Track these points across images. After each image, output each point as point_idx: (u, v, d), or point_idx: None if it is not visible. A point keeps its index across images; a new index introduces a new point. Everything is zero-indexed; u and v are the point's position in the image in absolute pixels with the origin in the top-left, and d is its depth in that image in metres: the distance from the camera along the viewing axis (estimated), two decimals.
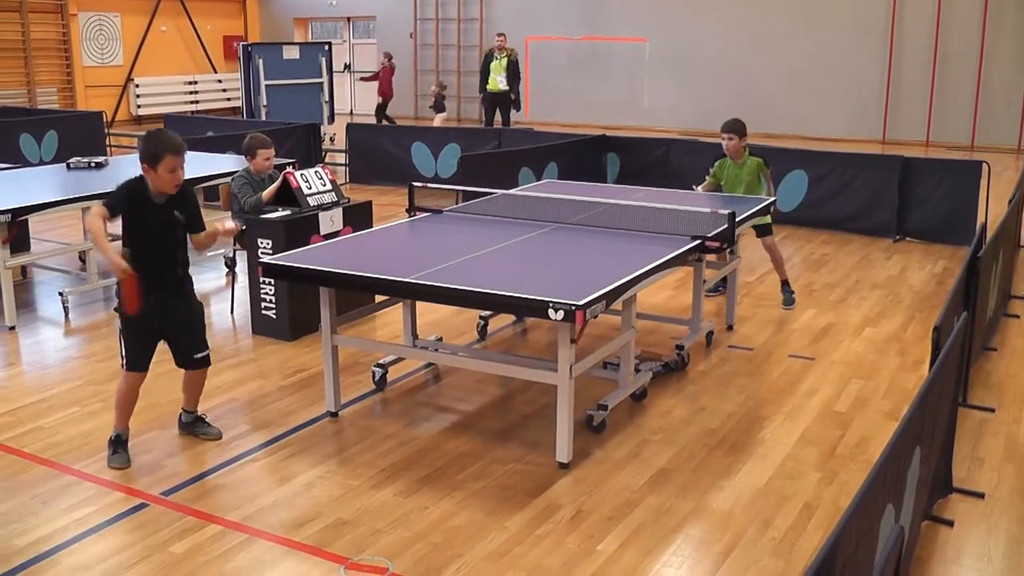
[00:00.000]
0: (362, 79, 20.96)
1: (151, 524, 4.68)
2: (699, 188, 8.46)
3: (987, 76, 19.35)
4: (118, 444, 5.37)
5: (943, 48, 19.68)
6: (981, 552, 4.51)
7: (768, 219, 8.32)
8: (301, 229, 7.36)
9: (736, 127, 8.26)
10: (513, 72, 18.21)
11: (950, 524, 4.71)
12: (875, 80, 20.36)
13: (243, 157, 8.17)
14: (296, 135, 14.83)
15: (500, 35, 18.82)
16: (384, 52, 21.55)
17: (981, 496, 5.00)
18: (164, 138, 5.22)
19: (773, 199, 7.94)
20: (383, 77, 20.73)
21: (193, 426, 5.72)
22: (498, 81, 18.22)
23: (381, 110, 20.42)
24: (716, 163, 8.43)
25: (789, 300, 8.42)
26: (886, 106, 20.30)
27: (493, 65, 18.27)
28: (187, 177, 9.12)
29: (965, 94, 19.56)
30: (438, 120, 19.95)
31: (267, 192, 7.68)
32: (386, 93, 20.62)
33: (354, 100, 27.73)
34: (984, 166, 10.79)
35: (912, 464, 3.66)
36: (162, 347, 5.42)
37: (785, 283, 8.51)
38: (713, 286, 8.31)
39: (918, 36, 19.89)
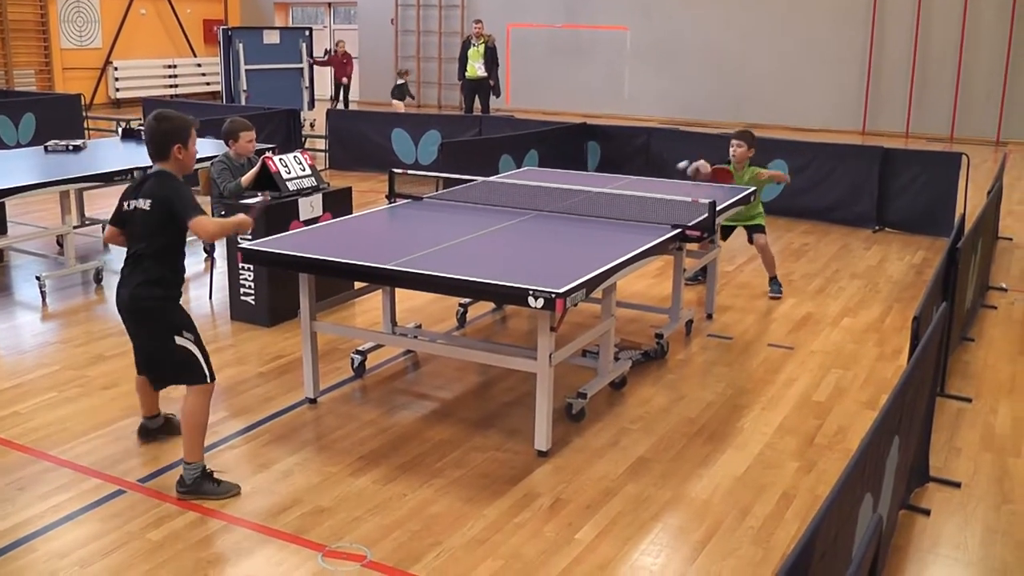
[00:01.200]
0: (314, 62, 20.84)
1: (128, 511, 4.65)
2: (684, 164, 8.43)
3: (967, 68, 19.42)
4: (209, 476, 4.82)
5: (923, 40, 19.74)
6: (957, 541, 4.54)
7: (761, 220, 8.40)
8: (281, 214, 7.32)
9: (746, 136, 8.38)
10: (491, 58, 18.20)
11: (927, 513, 4.74)
12: (856, 71, 20.41)
13: (222, 142, 8.11)
14: (276, 120, 14.75)
15: (477, 22, 18.80)
16: (339, 40, 22.11)
17: (958, 485, 5.02)
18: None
19: (752, 189, 7.91)
20: (335, 62, 21.12)
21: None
22: (476, 68, 18.22)
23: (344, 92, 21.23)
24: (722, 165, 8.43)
25: (776, 290, 8.44)
26: (866, 97, 20.35)
27: (471, 52, 18.26)
28: None
29: (945, 86, 19.63)
30: (398, 107, 19.88)
31: (246, 177, 7.63)
32: (340, 77, 21.23)
33: (334, 85, 27.61)
34: (963, 158, 10.83)
35: (890, 453, 3.68)
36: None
37: (773, 278, 8.50)
38: (693, 275, 8.33)
39: (899, 27, 19.94)
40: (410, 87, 20.91)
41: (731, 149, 8.36)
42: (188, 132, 4.88)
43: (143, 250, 4.74)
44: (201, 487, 4.76)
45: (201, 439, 4.81)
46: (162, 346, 4.76)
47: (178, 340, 4.74)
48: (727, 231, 8.45)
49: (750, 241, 8.47)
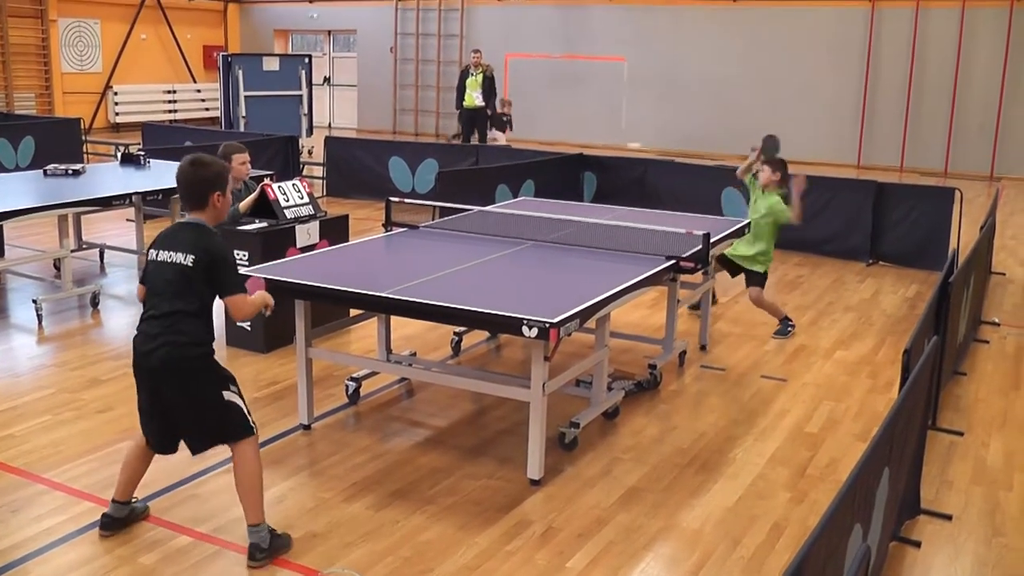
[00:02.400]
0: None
1: (121, 534, 4.66)
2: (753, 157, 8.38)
3: (961, 104, 19.57)
4: (274, 535, 4.57)
5: (918, 75, 19.89)
6: (948, 573, 4.56)
7: (760, 267, 8.19)
8: (278, 241, 7.36)
9: (777, 164, 8.20)
10: (489, 88, 18.31)
11: (917, 545, 4.76)
12: (851, 104, 20.56)
13: None
14: (274, 147, 14.82)
15: (476, 51, 18.92)
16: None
17: (949, 518, 5.05)
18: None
19: (747, 222, 7.93)
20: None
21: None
22: (474, 97, 18.33)
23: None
24: (750, 181, 8.33)
25: (784, 331, 8.26)
26: (861, 130, 20.49)
27: (469, 81, 18.38)
28: (164, 187, 9.16)
29: (939, 121, 19.77)
30: (501, 139, 18.75)
31: (244, 203, 7.67)
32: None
33: (333, 113, 27.77)
34: (957, 192, 10.90)
35: (880, 485, 3.71)
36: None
37: (784, 319, 8.34)
38: (695, 302, 8.33)
39: (894, 62, 20.11)
40: (508, 119, 19.23)
41: (761, 173, 8.18)
42: (227, 178, 4.59)
43: (181, 308, 4.38)
44: (276, 545, 4.51)
45: (262, 495, 4.55)
46: (211, 405, 4.44)
47: (226, 395, 4.46)
48: (735, 268, 8.30)
49: (748, 284, 8.31)
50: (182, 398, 4.44)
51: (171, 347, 4.35)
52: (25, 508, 4.91)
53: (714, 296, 8.85)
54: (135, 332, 4.50)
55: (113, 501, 4.71)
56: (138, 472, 4.72)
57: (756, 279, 8.24)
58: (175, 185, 4.63)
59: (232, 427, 4.50)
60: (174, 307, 4.38)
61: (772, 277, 9.50)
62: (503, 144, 17.60)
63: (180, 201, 4.62)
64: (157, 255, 4.45)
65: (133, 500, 4.78)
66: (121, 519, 4.71)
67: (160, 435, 4.59)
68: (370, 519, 4.87)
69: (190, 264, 4.36)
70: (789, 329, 8.32)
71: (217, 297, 4.46)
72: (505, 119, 19.00)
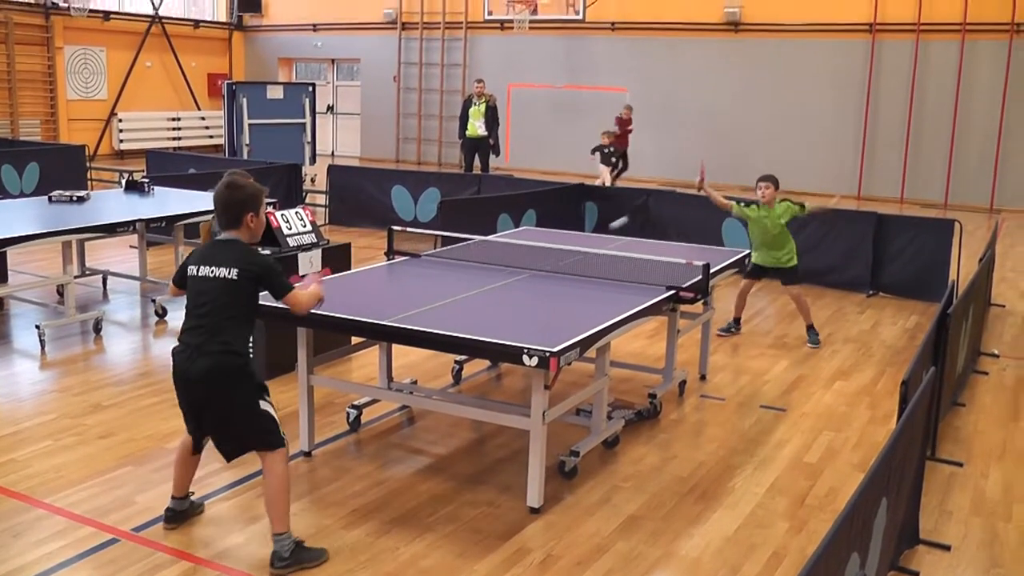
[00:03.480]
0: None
1: (122, 560, 4.67)
2: (707, 188, 9.12)
3: (960, 136, 19.66)
4: (301, 543, 4.73)
5: (918, 107, 20.00)
6: None
7: (794, 260, 8.88)
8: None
9: (772, 179, 8.95)
10: (491, 117, 18.39)
11: (916, 575, 4.77)
12: (851, 136, 20.65)
13: None
14: (278, 175, 14.88)
15: (479, 81, 19.01)
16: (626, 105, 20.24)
17: (947, 548, 5.06)
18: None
19: (747, 252, 8.08)
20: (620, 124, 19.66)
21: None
22: (477, 127, 18.41)
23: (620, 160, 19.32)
24: (744, 210, 9.00)
25: (814, 340, 8.85)
26: (862, 162, 20.58)
27: (472, 111, 18.46)
28: (168, 215, 9.22)
29: (939, 153, 19.86)
30: (604, 175, 18.13)
31: None
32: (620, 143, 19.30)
33: (336, 142, 27.88)
34: (956, 224, 10.94)
35: (878, 514, 3.72)
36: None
37: (810, 327, 8.94)
38: (726, 326, 9.02)
39: (894, 94, 20.22)
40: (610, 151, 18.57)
41: (759, 192, 8.85)
42: (261, 200, 4.82)
43: (223, 320, 4.58)
44: (300, 557, 4.62)
45: (288, 506, 4.71)
46: (248, 413, 4.62)
47: (262, 404, 4.64)
48: (759, 271, 8.92)
49: (784, 283, 9.00)
50: (221, 406, 4.64)
51: (213, 356, 4.54)
52: (27, 532, 4.92)
53: (738, 323, 9.29)
54: (176, 344, 4.68)
55: (172, 497, 5.05)
56: (189, 470, 5.04)
57: (792, 275, 8.92)
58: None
59: (266, 436, 4.68)
60: (216, 320, 4.59)
61: (774, 306, 9.56)
62: (603, 184, 16.58)
63: (216, 220, 4.83)
64: (198, 271, 4.66)
65: (191, 494, 5.13)
66: (182, 512, 5.05)
67: (197, 437, 4.92)
68: (370, 546, 4.89)
69: (235, 277, 4.59)
70: (818, 338, 8.89)
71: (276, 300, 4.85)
72: (607, 151, 18.45)
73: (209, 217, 8.14)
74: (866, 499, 3.34)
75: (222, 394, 4.60)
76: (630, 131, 19.70)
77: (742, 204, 9.02)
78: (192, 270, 4.68)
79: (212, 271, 4.62)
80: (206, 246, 4.78)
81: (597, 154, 18.58)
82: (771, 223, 8.75)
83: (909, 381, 4.51)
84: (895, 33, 20.14)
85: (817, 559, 2.74)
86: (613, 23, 23.01)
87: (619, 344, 7.83)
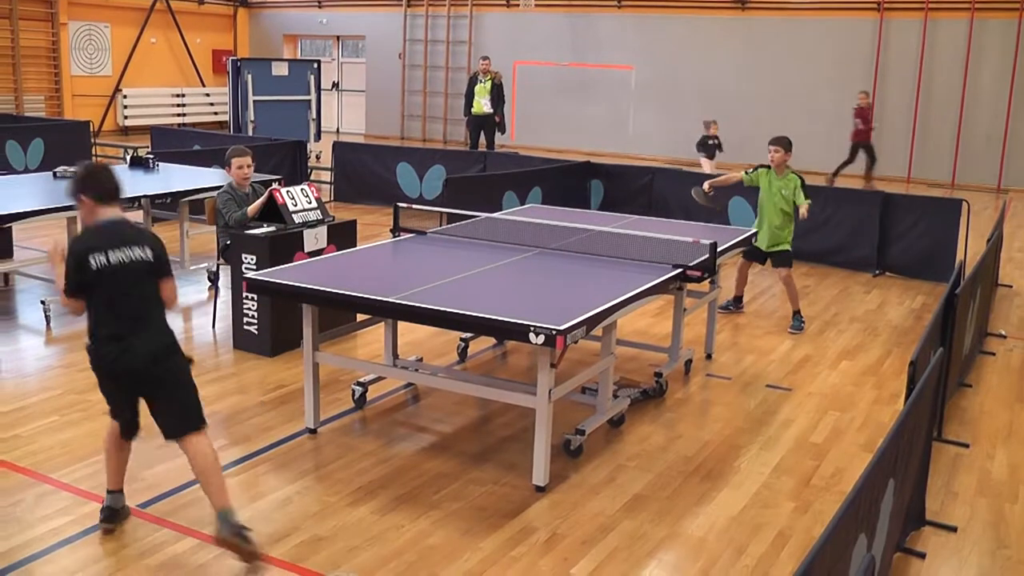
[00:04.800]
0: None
1: (127, 536, 4.68)
2: (706, 186, 8.89)
3: (968, 115, 19.57)
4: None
5: (925, 86, 19.90)
6: None
7: (787, 245, 8.70)
8: (285, 246, 7.38)
9: (783, 141, 8.74)
10: (497, 95, 18.33)
11: (922, 556, 4.76)
12: None
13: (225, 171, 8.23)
14: (282, 152, 14.85)
15: (484, 58, 18.92)
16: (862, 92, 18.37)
17: (954, 530, 5.05)
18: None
19: (755, 231, 8.05)
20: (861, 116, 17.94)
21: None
22: (482, 104, 18.33)
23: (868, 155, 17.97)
24: (757, 168, 8.86)
25: (798, 326, 8.71)
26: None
27: (477, 88, 18.39)
28: (174, 190, 9.21)
29: (947, 133, 19.77)
30: (707, 166, 16.79)
31: (252, 207, 7.71)
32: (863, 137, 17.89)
33: (341, 119, 27.82)
34: (964, 204, 10.90)
35: (885, 496, 3.71)
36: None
37: (797, 312, 8.81)
38: (725, 304, 8.95)
39: (901, 73, 20.11)
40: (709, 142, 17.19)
41: (769, 155, 8.74)
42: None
43: (155, 303, 4.56)
44: (242, 532, 4.40)
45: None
46: (189, 387, 4.61)
47: (192, 377, 4.67)
48: (759, 255, 8.76)
49: (774, 265, 8.82)
50: (166, 390, 4.56)
51: (154, 344, 4.51)
52: (32, 508, 4.92)
53: (739, 301, 9.27)
54: (96, 341, 4.54)
55: (108, 492, 4.79)
56: (123, 460, 4.82)
57: (784, 258, 8.74)
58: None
59: (199, 408, 4.64)
60: (148, 307, 4.54)
61: (778, 287, 9.52)
62: (709, 172, 14.56)
63: (106, 199, 4.59)
64: (108, 259, 4.43)
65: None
66: (119, 510, 4.78)
67: (129, 424, 4.71)
68: (375, 523, 4.89)
69: (151, 258, 4.52)
70: (802, 324, 8.71)
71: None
72: (712, 142, 17.09)
73: (214, 195, 8.12)
74: (873, 480, 3.33)
75: (170, 377, 4.55)
76: (871, 125, 17.96)
77: (749, 172, 8.89)
78: (99, 261, 4.41)
79: (127, 254, 4.45)
80: (95, 231, 4.51)
81: (704, 151, 17.10)
82: (776, 191, 8.62)
83: (917, 362, 4.49)
84: (903, 11, 20.02)
85: (825, 541, 2.73)
86: (619, 0, 22.89)
87: (625, 322, 7.82)
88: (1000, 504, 5.39)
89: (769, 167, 8.75)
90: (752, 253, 8.69)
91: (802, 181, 8.63)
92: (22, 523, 4.77)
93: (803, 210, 8.46)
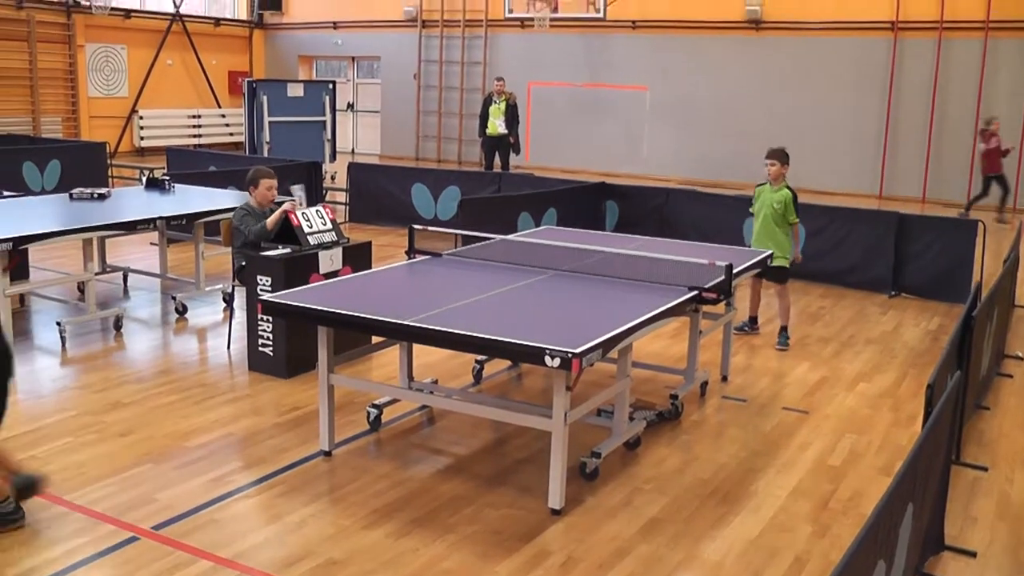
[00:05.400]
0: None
1: (141, 558, 4.67)
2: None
3: None
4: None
5: (940, 106, 19.86)
6: None
7: (786, 262, 8.73)
8: (301, 267, 7.39)
9: (779, 154, 8.87)
10: (512, 116, 18.34)
11: None
12: (873, 136, 20.52)
13: (245, 192, 8.24)
14: (298, 172, 14.89)
15: (499, 79, 18.95)
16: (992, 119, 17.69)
17: (973, 555, 5.00)
18: None
19: (769, 252, 8.03)
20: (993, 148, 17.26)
21: None
22: (497, 125, 18.36)
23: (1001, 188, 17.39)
24: (756, 190, 9.04)
25: (783, 343, 8.74)
26: (883, 161, 20.44)
27: (492, 109, 18.42)
28: (188, 212, 9.24)
29: (961, 152, 19.68)
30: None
31: (272, 219, 7.72)
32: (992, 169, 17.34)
33: (356, 139, 27.91)
34: (980, 224, 10.86)
35: (904, 521, 3.68)
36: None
37: (783, 328, 8.83)
38: (740, 325, 8.92)
39: (916, 93, 20.08)
40: None
41: (766, 168, 8.86)
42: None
43: None
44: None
45: None
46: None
47: None
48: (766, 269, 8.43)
49: (769, 279, 8.82)
50: None
51: None
52: (46, 530, 4.92)
53: (754, 322, 9.24)
54: None
55: None
56: None
57: (779, 274, 8.77)
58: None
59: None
60: None
61: (793, 309, 9.46)
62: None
63: None
64: None
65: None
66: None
67: None
68: (390, 547, 4.87)
69: None
70: (787, 342, 8.78)
71: None
72: None
73: (230, 215, 8.14)
74: (892, 505, 3.30)
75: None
76: (1004, 149, 17.23)
77: (754, 204, 9.01)
78: None
79: None
80: None
81: None
82: (769, 204, 8.71)
83: (934, 385, 4.46)
84: (917, 31, 20.00)
85: (844, 567, 2.70)
86: (634, 21, 22.93)
87: (640, 344, 7.80)
88: (1020, 528, 5.34)
89: (761, 184, 8.93)
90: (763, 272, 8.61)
91: (794, 196, 8.75)
92: (36, 545, 4.76)
93: (796, 253, 8.81)
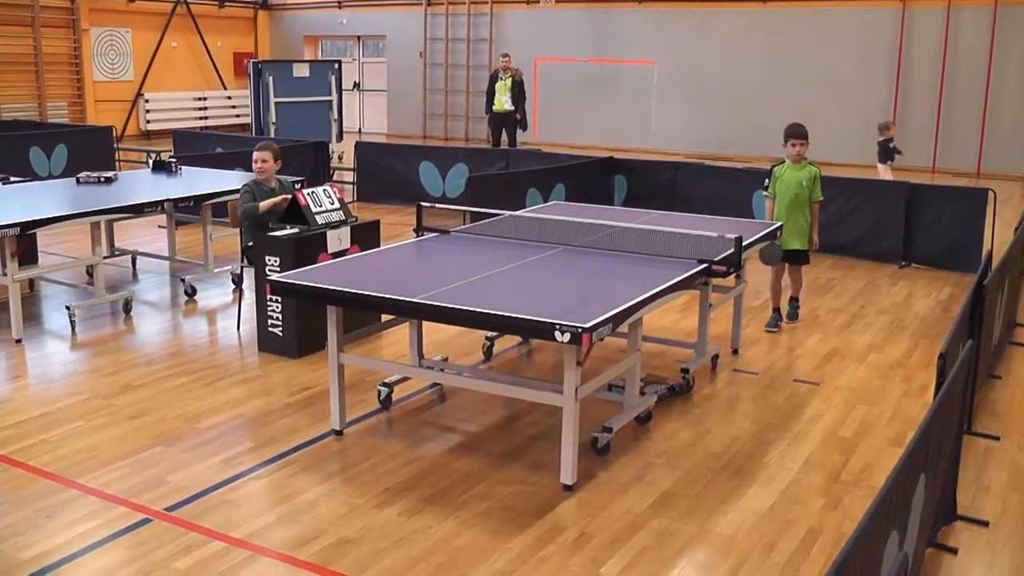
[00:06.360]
0: None
1: (154, 540, 4.68)
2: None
3: (993, 104, 19.38)
4: None
5: (950, 75, 19.72)
6: None
7: (800, 244, 8.36)
8: (309, 247, 7.38)
9: (804, 132, 8.40)
10: (518, 92, 18.28)
11: (954, 552, 4.71)
12: (882, 106, 20.38)
13: (252, 173, 8.26)
14: (305, 153, 14.88)
15: (504, 56, 18.87)
16: None
17: (986, 524, 4.99)
18: None
19: (780, 223, 7.96)
20: None
21: None
22: (503, 101, 18.31)
23: None
24: (773, 171, 8.47)
25: (794, 314, 8.60)
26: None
27: (498, 86, 18.37)
28: (196, 194, 9.23)
29: (971, 121, 19.58)
30: (885, 173, 15.25)
31: (264, 203, 7.73)
32: None
33: (363, 118, 27.85)
34: (990, 193, 10.80)
35: (917, 491, 3.67)
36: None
37: (794, 299, 8.70)
38: (771, 322, 8.48)
39: (925, 63, 19.95)
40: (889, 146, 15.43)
41: (794, 149, 8.34)
42: None
43: None
44: None
45: None
46: None
47: None
48: (785, 255, 8.14)
49: (790, 263, 8.49)
50: None
51: None
52: (59, 513, 4.93)
53: (779, 313, 8.63)
54: None
55: None
56: None
57: (803, 258, 8.51)
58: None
59: None
60: None
61: (804, 280, 9.38)
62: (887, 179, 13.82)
63: None
64: None
65: None
66: None
67: None
68: (403, 525, 4.87)
69: None
70: (798, 311, 8.68)
71: None
72: (890, 145, 15.33)
73: (236, 197, 8.13)
74: (905, 476, 3.29)
75: None
76: None
77: (767, 188, 8.46)
78: None
79: None
80: None
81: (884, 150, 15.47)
82: (798, 183, 8.22)
83: (947, 354, 4.43)
84: (926, 0, 19.86)
85: (857, 538, 2.69)
86: None
87: (650, 318, 7.78)
88: None
89: (777, 165, 8.45)
90: (780, 258, 8.13)
91: (819, 173, 8.40)
92: (50, 528, 4.78)
93: (815, 236, 8.41)
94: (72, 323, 8.13)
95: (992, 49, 19.23)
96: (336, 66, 20.05)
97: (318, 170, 14.88)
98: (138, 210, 8.64)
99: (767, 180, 8.49)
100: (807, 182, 8.27)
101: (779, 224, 7.94)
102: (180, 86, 26.00)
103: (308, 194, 7.61)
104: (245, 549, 4.60)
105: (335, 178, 16.08)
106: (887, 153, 15.38)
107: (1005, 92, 19.28)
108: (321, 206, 7.63)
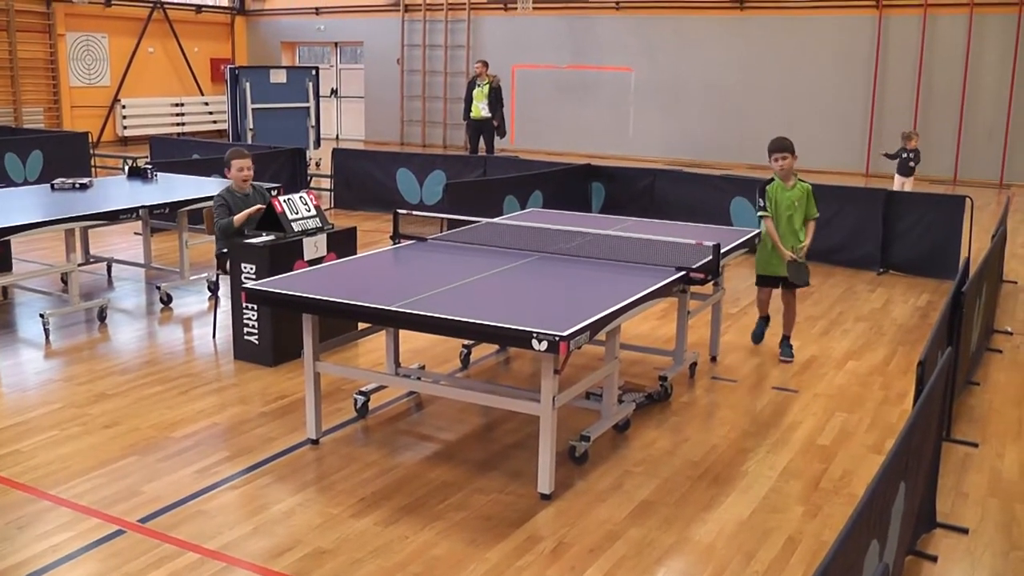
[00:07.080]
0: None
1: (128, 551, 4.62)
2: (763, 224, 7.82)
3: (969, 111, 19.51)
4: None
5: (926, 82, 19.84)
6: None
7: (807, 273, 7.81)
8: (285, 254, 7.33)
9: (789, 145, 7.71)
10: (495, 99, 18.27)
11: (934, 560, 4.70)
12: (859, 113, 20.50)
13: (229, 180, 8.19)
14: (282, 159, 14.81)
15: (480, 62, 18.84)
16: None
17: (965, 531, 4.98)
18: None
19: (758, 231, 7.84)
20: None
21: None
22: (480, 108, 18.30)
23: None
24: (766, 190, 7.76)
25: (787, 354, 7.89)
26: (869, 139, 20.41)
27: (475, 92, 18.36)
28: (172, 200, 9.16)
29: (948, 129, 19.70)
30: (904, 184, 14.42)
31: (239, 216, 7.68)
32: None
33: (340, 125, 27.79)
34: (967, 200, 10.84)
35: (896, 499, 3.65)
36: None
37: (786, 339, 8.00)
38: (784, 353, 7.90)
39: (902, 70, 20.06)
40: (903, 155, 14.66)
41: (777, 164, 7.66)
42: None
43: None
44: None
45: None
46: None
47: None
48: (777, 281, 7.87)
49: (785, 287, 7.91)
50: None
51: None
52: (31, 525, 4.87)
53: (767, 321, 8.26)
54: None
55: None
56: None
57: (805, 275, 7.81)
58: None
59: None
60: None
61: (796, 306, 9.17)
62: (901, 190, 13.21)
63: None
64: None
65: None
66: None
67: None
68: (379, 535, 4.83)
69: None
70: (791, 352, 7.94)
71: None
72: (907, 156, 14.53)
73: (212, 203, 8.07)
74: (885, 484, 3.27)
75: None
76: None
77: (761, 209, 7.79)
78: None
79: None
80: None
81: (898, 160, 14.72)
82: (791, 204, 7.71)
83: (926, 362, 4.42)
84: (902, 8, 19.96)
85: (837, 548, 2.66)
86: (617, 2, 22.86)
87: (628, 326, 7.76)
88: (1011, 504, 5.32)
89: (768, 183, 7.83)
90: (768, 280, 7.93)
91: (811, 189, 7.84)
92: (21, 540, 4.71)
93: (807, 240, 7.82)
94: (46, 331, 8.05)
95: (968, 57, 19.35)
96: (313, 72, 20.01)
97: (295, 177, 14.80)
98: (113, 217, 8.57)
99: (761, 200, 7.78)
100: (799, 202, 7.74)
101: (756, 232, 7.81)
102: (157, 92, 25.88)
103: (284, 201, 7.56)
104: (219, 560, 4.54)
105: (312, 185, 16.02)
106: (904, 165, 14.62)
107: (981, 100, 19.41)
108: (297, 213, 7.58)
